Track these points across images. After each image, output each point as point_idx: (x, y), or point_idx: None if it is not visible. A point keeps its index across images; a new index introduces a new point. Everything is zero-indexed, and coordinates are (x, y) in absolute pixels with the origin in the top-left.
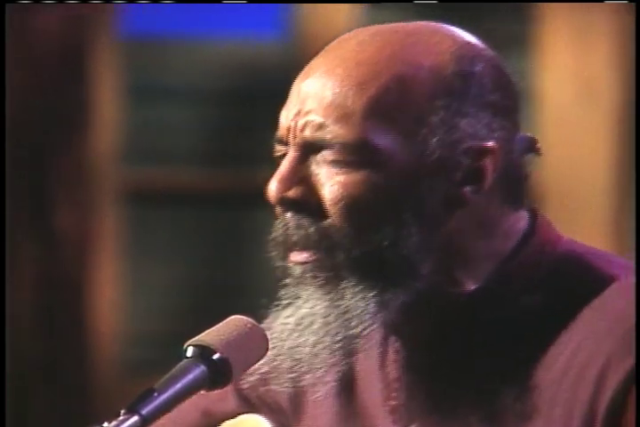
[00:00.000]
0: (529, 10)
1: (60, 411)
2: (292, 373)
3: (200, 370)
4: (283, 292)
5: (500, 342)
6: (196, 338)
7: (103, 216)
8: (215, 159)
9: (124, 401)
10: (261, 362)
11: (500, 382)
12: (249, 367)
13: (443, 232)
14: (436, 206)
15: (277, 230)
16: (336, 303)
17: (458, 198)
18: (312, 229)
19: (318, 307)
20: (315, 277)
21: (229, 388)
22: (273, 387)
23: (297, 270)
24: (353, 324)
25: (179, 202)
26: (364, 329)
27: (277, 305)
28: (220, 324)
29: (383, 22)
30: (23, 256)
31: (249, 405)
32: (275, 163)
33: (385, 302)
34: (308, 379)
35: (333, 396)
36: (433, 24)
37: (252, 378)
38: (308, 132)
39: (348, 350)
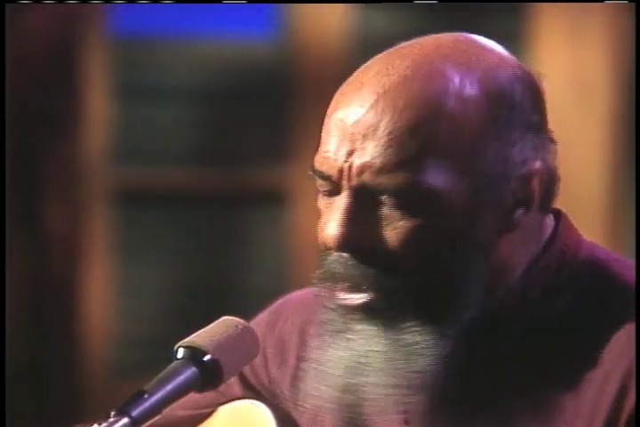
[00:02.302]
0: (525, 9)
1: (49, 412)
2: (353, 409)
3: (191, 371)
4: (328, 317)
5: (521, 349)
6: (187, 339)
7: (93, 216)
8: (205, 159)
9: (114, 402)
10: (312, 394)
11: (521, 391)
12: (240, 369)
13: (494, 256)
14: (490, 235)
15: (332, 265)
16: (396, 340)
17: (510, 223)
18: (375, 269)
19: (377, 345)
20: (372, 315)
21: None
22: (327, 418)
23: (353, 309)
24: (416, 359)
25: (169, 202)
26: (428, 364)
27: (321, 329)
28: (211, 325)
29: (378, 23)
30: (13, 256)
31: (252, 390)
32: (270, 163)
33: (442, 333)
34: (376, 417)
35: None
36: (464, 41)
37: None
38: (366, 177)
39: (416, 385)
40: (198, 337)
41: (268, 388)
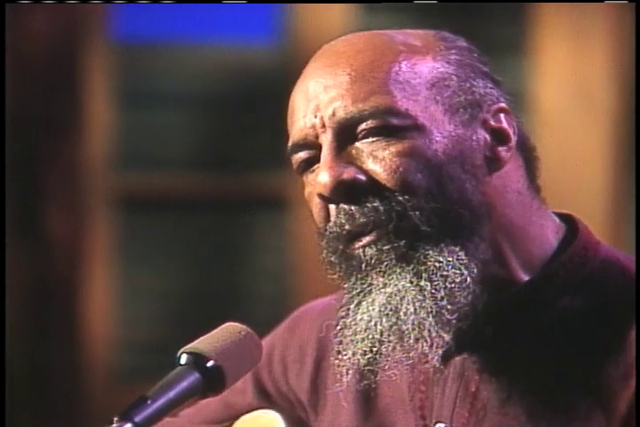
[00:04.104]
0: (525, 13)
1: (51, 418)
2: (396, 351)
3: (194, 377)
4: (350, 285)
5: (539, 342)
6: (190, 345)
7: (95, 222)
8: (207, 165)
9: (116, 408)
10: (356, 357)
11: (530, 381)
12: (243, 375)
13: (489, 194)
14: (480, 164)
15: (337, 224)
16: (420, 268)
17: (495, 157)
18: (378, 203)
19: (403, 280)
20: (385, 249)
21: (249, 381)
22: (381, 369)
23: (367, 254)
24: (451, 279)
25: (171, 207)
26: (462, 284)
27: (347, 303)
28: (214, 331)
29: (379, 26)
30: (14, 261)
31: (268, 399)
32: (271, 168)
33: (472, 254)
34: (417, 351)
35: (355, 391)
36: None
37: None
38: (340, 114)
39: (455, 310)
40: (201, 343)
41: (285, 395)
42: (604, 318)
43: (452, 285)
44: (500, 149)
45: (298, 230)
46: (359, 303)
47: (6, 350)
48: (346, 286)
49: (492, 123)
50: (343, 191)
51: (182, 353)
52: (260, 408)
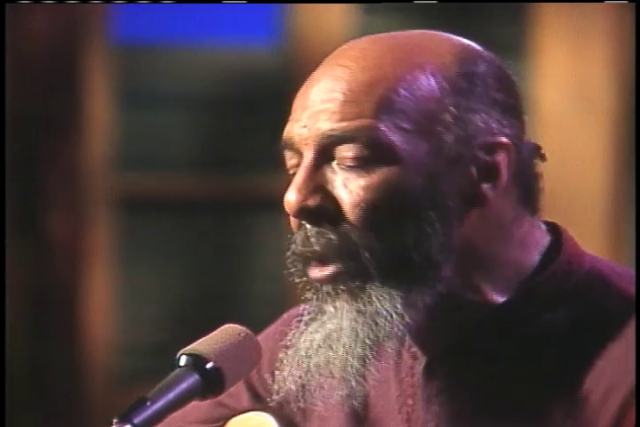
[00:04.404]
0: (525, 13)
1: (51, 420)
2: (322, 389)
3: (193, 379)
4: (304, 307)
5: (521, 357)
6: (190, 347)
7: (95, 223)
8: (207, 166)
9: (116, 410)
10: (288, 381)
11: (516, 402)
12: (243, 376)
13: (462, 232)
14: (455, 204)
15: (296, 244)
16: (363, 309)
17: (476, 196)
18: (333, 236)
19: (346, 319)
20: (340, 288)
21: (242, 384)
22: (304, 404)
23: (320, 285)
24: (381, 327)
25: (171, 209)
26: (392, 332)
27: (299, 321)
28: (214, 333)
29: (379, 27)
30: (14, 264)
31: (261, 401)
32: (271, 169)
33: (411, 302)
34: (340, 392)
35: (346, 402)
36: (429, 31)
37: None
38: (325, 130)
39: (375, 354)
40: (201, 345)
41: (277, 398)
42: (587, 332)
43: (380, 333)
44: (486, 186)
45: None
46: (307, 325)
47: (6, 351)
48: (307, 296)
49: (484, 158)
50: (306, 215)
51: (182, 355)
52: (254, 410)
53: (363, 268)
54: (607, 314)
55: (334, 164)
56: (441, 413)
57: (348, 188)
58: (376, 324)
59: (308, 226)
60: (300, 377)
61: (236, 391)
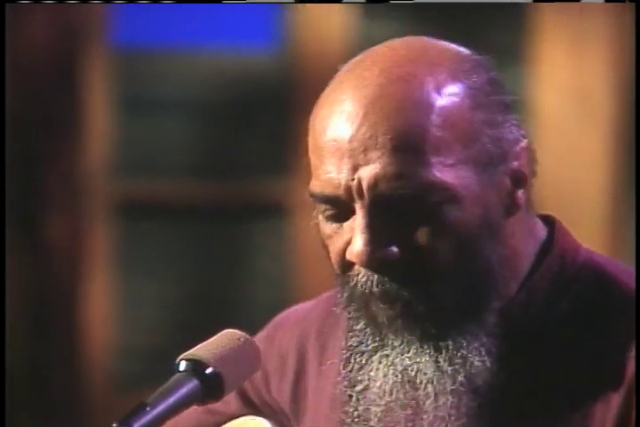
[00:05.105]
0: (525, 17)
1: (50, 421)
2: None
3: (193, 384)
4: (360, 338)
5: (523, 353)
6: (189, 352)
7: (94, 228)
8: (207, 171)
9: (115, 415)
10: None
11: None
12: (242, 381)
13: (507, 242)
14: (503, 220)
15: (358, 281)
16: (440, 346)
17: (514, 205)
18: (406, 282)
19: (422, 355)
20: (409, 326)
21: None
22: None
23: (384, 317)
24: (467, 364)
25: (170, 214)
26: (482, 366)
27: (352, 351)
28: (213, 338)
29: (378, 31)
30: (14, 268)
31: (252, 407)
32: (271, 174)
33: (489, 326)
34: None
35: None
36: (416, 41)
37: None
38: (383, 186)
39: (462, 405)
40: (200, 350)
41: (268, 404)
42: (584, 325)
43: (471, 368)
44: (519, 192)
45: (298, 237)
46: (370, 358)
47: (6, 352)
48: (355, 327)
49: (515, 166)
50: (376, 266)
51: (181, 360)
52: (246, 415)
53: (439, 311)
54: (605, 304)
55: (393, 213)
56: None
57: (414, 233)
58: (463, 359)
59: (375, 275)
60: (384, 414)
61: (227, 397)
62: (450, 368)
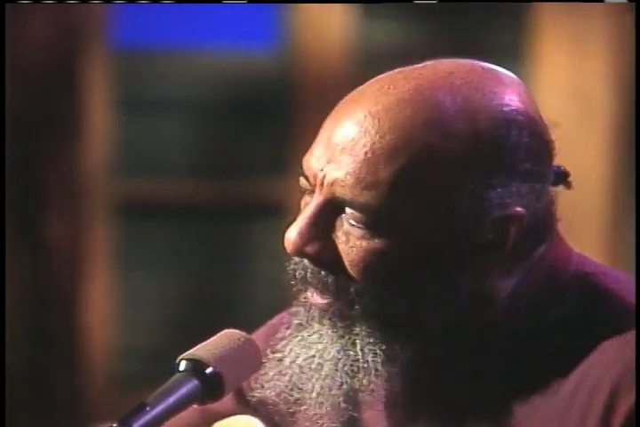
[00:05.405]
0: (524, 17)
1: (50, 421)
2: (290, 406)
3: (193, 384)
4: (295, 311)
5: (508, 363)
6: (189, 352)
7: (94, 228)
8: (207, 171)
9: (115, 414)
10: (268, 388)
11: (507, 406)
12: (242, 381)
13: (464, 286)
14: (456, 270)
15: (296, 268)
16: (347, 350)
17: (480, 263)
18: (330, 280)
19: (329, 351)
20: (331, 320)
21: None
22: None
23: (314, 309)
24: (360, 375)
25: (170, 214)
26: (369, 382)
27: (287, 328)
28: (213, 338)
29: (378, 32)
30: (13, 269)
31: (247, 405)
32: (271, 174)
33: (392, 356)
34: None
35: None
36: (479, 72)
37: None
38: (336, 189)
39: (352, 400)
40: (200, 350)
41: (263, 402)
42: (571, 335)
43: (361, 378)
44: (492, 252)
45: None
46: (294, 332)
47: (6, 352)
48: (297, 302)
49: (492, 230)
50: (302, 257)
51: (181, 360)
52: (238, 413)
53: (353, 314)
54: (593, 314)
55: (343, 215)
56: (425, 414)
57: (349, 244)
58: (354, 371)
59: (305, 261)
60: (280, 388)
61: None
62: (342, 372)
